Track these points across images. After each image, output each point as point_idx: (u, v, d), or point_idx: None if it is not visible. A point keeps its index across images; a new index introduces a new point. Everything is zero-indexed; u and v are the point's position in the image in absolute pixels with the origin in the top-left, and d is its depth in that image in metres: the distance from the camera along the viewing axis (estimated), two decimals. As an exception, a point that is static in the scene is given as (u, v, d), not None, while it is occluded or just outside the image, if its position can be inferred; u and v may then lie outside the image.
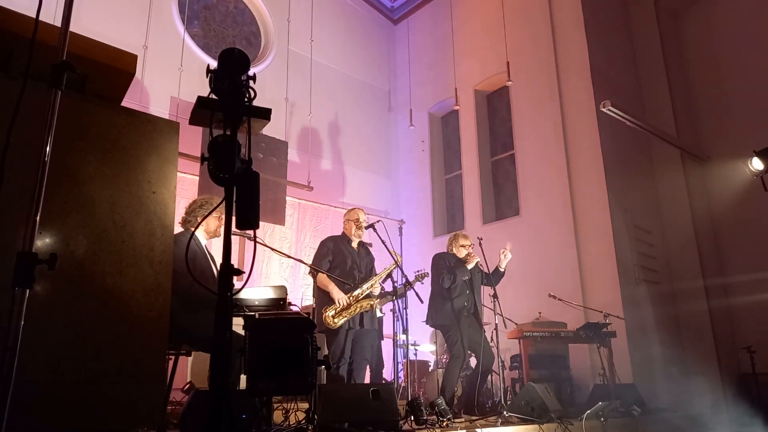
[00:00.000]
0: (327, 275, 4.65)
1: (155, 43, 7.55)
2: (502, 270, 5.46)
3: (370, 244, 5.61)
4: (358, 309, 4.62)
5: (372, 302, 4.66)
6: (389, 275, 5.10)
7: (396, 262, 4.89)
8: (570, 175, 7.97)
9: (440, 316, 5.26)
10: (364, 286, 4.65)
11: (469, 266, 5.29)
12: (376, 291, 4.79)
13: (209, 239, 3.86)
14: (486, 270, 5.49)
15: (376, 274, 4.88)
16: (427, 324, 5.54)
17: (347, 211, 5.15)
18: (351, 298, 4.59)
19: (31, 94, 1.57)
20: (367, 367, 4.99)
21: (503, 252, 5.44)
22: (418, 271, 5.80)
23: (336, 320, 4.52)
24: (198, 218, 3.66)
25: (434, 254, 5.60)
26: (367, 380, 5.92)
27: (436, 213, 10.08)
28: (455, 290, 5.25)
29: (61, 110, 1.58)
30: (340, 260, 4.78)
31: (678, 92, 8.76)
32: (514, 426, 4.33)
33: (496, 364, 5.28)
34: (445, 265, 5.36)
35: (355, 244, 4.93)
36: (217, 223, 3.84)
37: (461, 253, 5.41)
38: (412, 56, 10.82)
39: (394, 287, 5.93)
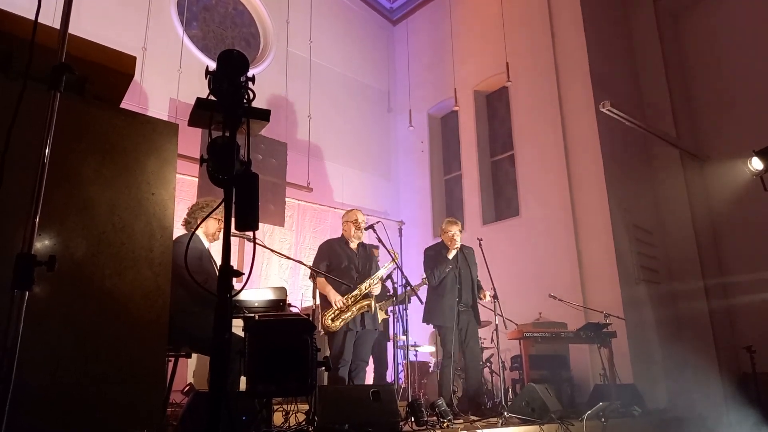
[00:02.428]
0: (325, 278, 4.66)
1: (154, 44, 7.55)
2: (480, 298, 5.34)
3: (377, 247, 5.60)
4: (357, 310, 4.61)
5: (371, 302, 4.65)
6: (389, 275, 5.10)
7: (394, 260, 4.88)
8: (569, 176, 7.97)
9: (433, 314, 5.20)
10: (362, 286, 4.65)
11: (450, 255, 5.19)
12: (377, 290, 4.78)
13: (210, 243, 3.86)
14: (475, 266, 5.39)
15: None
16: (423, 322, 5.52)
17: (345, 213, 5.14)
18: (348, 299, 4.60)
19: (30, 95, 1.57)
20: (367, 368, 4.99)
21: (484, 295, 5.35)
22: (424, 277, 5.81)
23: (335, 323, 4.53)
24: (197, 219, 3.67)
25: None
26: (369, 381, 5.93)
27: (436, 214, 10.08)
28: (444, 286, 5.16)
29: (61, 112, 1.58)
30: (336, 262, 4.80)
31: (677, 92, 8.77)
32: (515, 427, 4.33)
33: (496, 365, 5.27)
34: (430, 262, 5.27)
35: (354, 246, 4.92)
36: (216, 225, 3.85)
37: (448, 241, 5.27)
38: (412, 57, 10.83)
39: (394, 289, 5.92)
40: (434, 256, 5.29)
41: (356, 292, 4.62)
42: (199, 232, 3.73)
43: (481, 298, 5.31)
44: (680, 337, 7.75)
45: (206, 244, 3.77)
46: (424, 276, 5.70)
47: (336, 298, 4.57)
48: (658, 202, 8.55)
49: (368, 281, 4.69)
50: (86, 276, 2.02)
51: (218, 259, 1.70)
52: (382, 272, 4.88)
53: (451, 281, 5.16)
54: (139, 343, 2.09)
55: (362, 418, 3.60)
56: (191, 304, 3.20)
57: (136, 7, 7.60)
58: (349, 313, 4.57)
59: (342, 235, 5.02)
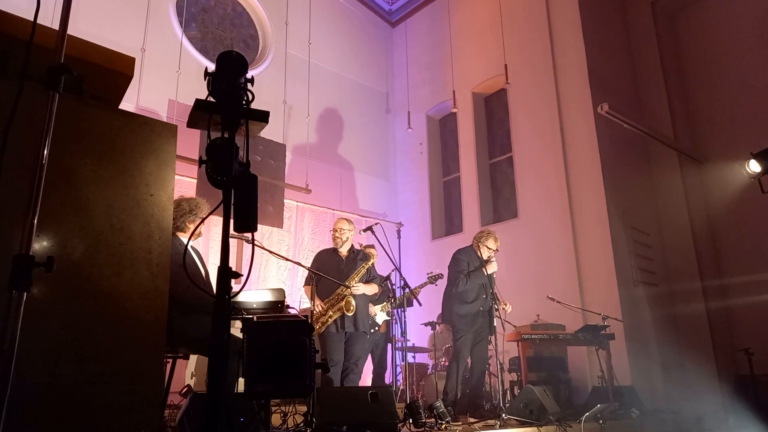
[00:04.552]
0: (310, 286, 4.80)
1: (153, 45, 7.55)
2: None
3: (371, 245, 5.61)
4: (336, 312, 4.66)
5: (347, 303, 4.67)
6: (387, 276, 5.10)
7: (392, 260, 4.91)
8: (568, 178, 7.98)
9: (455, 318, 5.26)
10: (338, 291, 4.72)
11: (488, 271, 5.25)
12: (357, 291, 4.76)
13: (193, 240, 3.88)
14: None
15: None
16: (441, 322, 5.54)
17: None
18: (326, 303, 4.67)
19: (28, 96, 1.57)
20: (363, 370, 5.01)
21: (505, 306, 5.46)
22: (430, 273, 5.80)
23: (316, 327, 4.60)
24: (186, 223, 3.67)
25: (456, 249, 5.56)
26: (367, 383, 5.92)
27: (435, 215, 10.08)
28: (470, 294, 5.23)
29: (59, 112, 1.58)
30: (324, 270, 4.84)
31: (675, 94, 8.78)
32: (513, 428, 4.33)
33: (494, 367, 5.28)
34: (465, 267, 5.31)
35: (344, 252, 4.96)
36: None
37: (485, 255, 5.35)
38: (410, 59, 10.84)
39: (393, 291, 5.91)
40: (466, 261, 5.34)
41: (333, 296, 4.71)
42: (182, 235, 3.71)
43: (504, 310, 5.44)
44: (678, 339, 7.76)
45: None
46: (430, 274, 5.72)
47: (314, 304, 4.66)
48: (656, 204, 8.57)
49: (347, 283, 4.74)
50: (84, 276, 2.02)
51: (216, 261, 1.69)
52: (358, 273, 4.86)
53: (479, 289, 5.26)
54: (138, 344, 2.09)
55: (360, 419, 3.60)
56: (180, 309, 3.18)
57: (135, 8, 7.60)
58: (326, 317, 4.65)
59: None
